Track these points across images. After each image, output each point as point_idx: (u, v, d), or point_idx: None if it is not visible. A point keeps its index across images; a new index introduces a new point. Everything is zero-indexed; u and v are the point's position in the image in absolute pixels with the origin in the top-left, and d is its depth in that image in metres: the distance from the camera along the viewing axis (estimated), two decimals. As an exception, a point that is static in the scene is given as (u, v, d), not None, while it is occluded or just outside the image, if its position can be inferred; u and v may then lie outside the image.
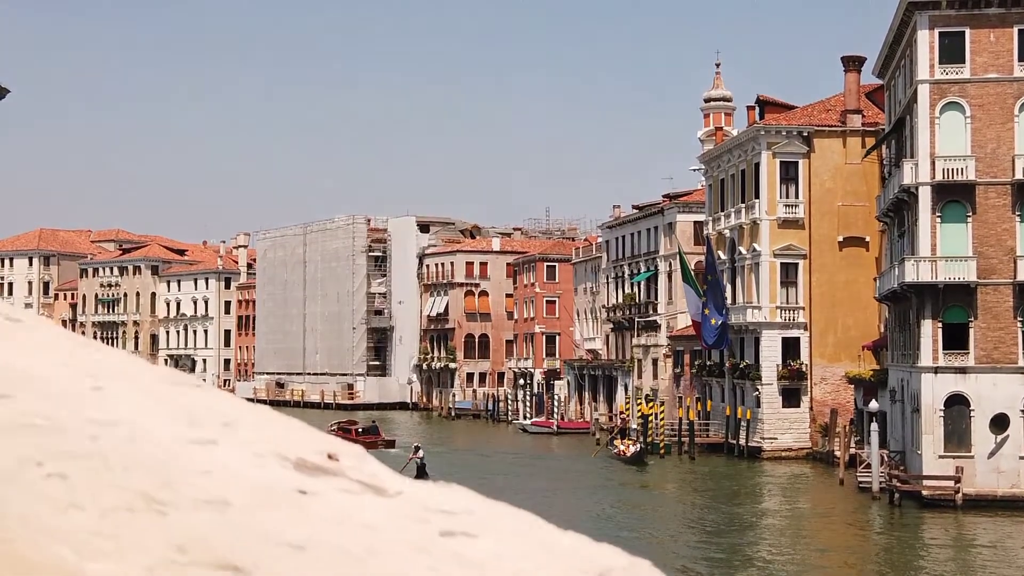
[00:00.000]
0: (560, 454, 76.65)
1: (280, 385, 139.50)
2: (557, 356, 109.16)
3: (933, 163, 52.04)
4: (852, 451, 59.95)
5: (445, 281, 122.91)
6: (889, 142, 62.88)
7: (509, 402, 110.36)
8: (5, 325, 1.45)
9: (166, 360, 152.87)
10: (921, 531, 45.61)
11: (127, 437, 1.17)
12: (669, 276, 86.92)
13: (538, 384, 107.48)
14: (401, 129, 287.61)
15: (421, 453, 52.62)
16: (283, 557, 1.04)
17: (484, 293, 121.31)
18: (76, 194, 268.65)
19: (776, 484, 59.98)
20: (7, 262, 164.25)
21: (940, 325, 51.71)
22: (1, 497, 1.06)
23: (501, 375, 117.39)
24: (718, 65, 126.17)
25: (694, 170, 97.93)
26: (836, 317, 70.59)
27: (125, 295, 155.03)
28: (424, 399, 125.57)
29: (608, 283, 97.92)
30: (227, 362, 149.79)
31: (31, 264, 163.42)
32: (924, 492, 50.49)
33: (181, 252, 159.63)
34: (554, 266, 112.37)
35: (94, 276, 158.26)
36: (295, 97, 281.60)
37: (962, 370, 51.18)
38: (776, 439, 70.26)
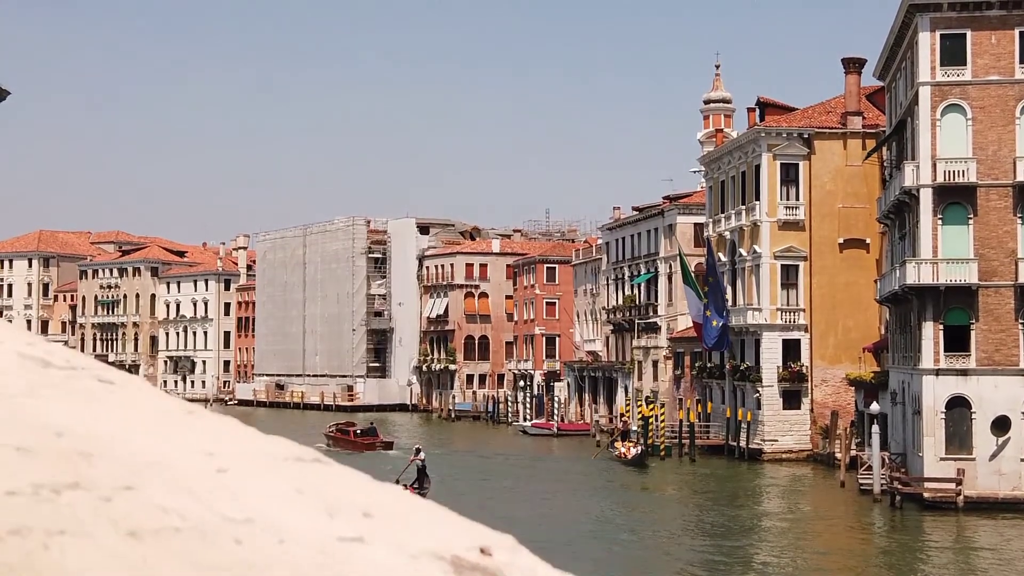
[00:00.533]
0: (560, 456, 76.53)
1: (280, 387, 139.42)
2: (557, 358, 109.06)
3: (934, 165, 51.96)
4: (853, 453, 59.84)
5: (445, 283, 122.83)
6: (890, 144, 62.80)
7: (509, 404, 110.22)
8: (99, 389, 1.32)
9: (165, 362, 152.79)
10: (922, 533, 45.51)
11: (273, 538, 1.04)
12: (669, 278, 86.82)
13: (538, 386, 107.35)
14: (401, 130, 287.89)
15: (422, 455, 52.40)
16: None
17: (484, 295, 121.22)
18: (76, 196, 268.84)
19: (777, 486, 59.88)
20: (7, 263, 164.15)
21: (941, 327, 51.63)
22: None
23: (501, 377, 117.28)
24: (717, 67, 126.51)
25: (694, 172, 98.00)
26: (836, 319, 70.50)
27: (125, 297, 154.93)
28: (424, 401, 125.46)
29: (608, 285, 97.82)
30: (227, 364, 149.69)
31: (31, 266, 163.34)
32: (925, 494, 50.42)
33: (181, 254, 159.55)
34: (554, 268, 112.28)
35: (93, 278, 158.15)
36: (295, 98, 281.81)
37: (963, 372, 51.10)
38: (776, 441, 70.16)
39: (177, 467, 1.13)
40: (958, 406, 50.88)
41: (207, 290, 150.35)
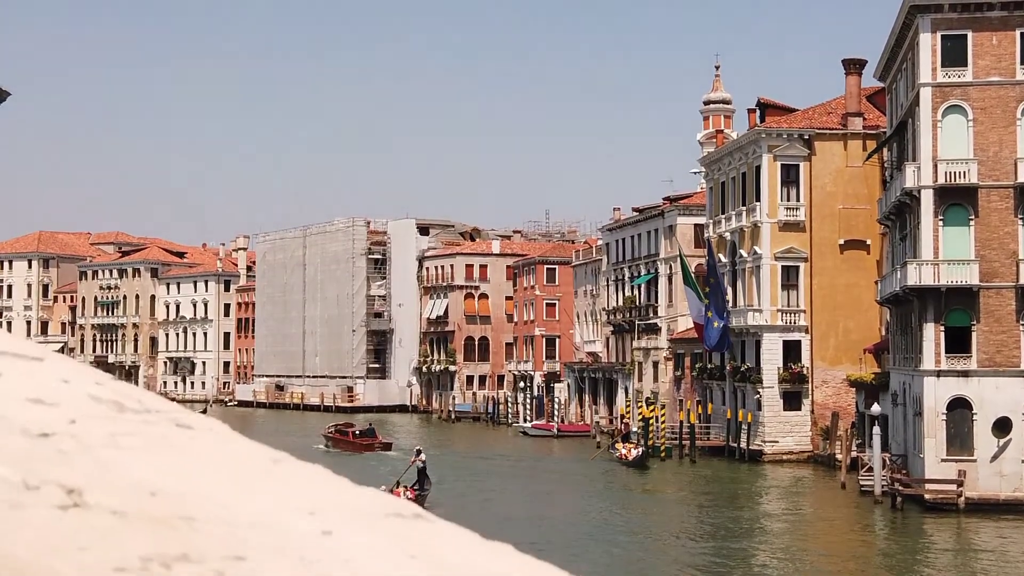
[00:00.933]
0: (560, 457, 76.45)
1: (280, 388, 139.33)
2: (557, 359, 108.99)
3: (935, 166, 51.90)
4: (854, 454, 59.77)
5: (445, 284, 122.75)
6: (891, 145, 62.76)
7: (509, 405, 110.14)
8: (179, 436, 1.21)
9: (165, 363, 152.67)
10: (923, 535, 45.44)
11: None
12: (669, 279, 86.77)
13: (538, 387, 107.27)
14: (401, 130, 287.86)
15: (423, 457, 52.35)
16: None
17: (484, 296, 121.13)
18: (76, 196, 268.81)
19: (777, 487, 59.81)
20: (6, 264, 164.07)
21: (942, 328, 51.56)
22: None
23: (501, 378, 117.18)
24: (717, 67, 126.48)
25: (694, 173, 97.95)
26: (837, 320, 70.44)
27: (124, 298, 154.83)
28: (424, 402, 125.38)
29: (608, 286, 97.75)
30: (226, 365, 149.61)
31: (30, 267, 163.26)
32: (926, 496, 50.33)
33: (180, 255, 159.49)
34: (554, 268, 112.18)
35: (93, 279, 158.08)
36: (295, 98, 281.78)
37: (964, 373, 51.03)
38: (777, 442, 70.10)
39: (282, 529, 1.02)
40: (959, 407, 50.82)
41: (207, 291, 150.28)
